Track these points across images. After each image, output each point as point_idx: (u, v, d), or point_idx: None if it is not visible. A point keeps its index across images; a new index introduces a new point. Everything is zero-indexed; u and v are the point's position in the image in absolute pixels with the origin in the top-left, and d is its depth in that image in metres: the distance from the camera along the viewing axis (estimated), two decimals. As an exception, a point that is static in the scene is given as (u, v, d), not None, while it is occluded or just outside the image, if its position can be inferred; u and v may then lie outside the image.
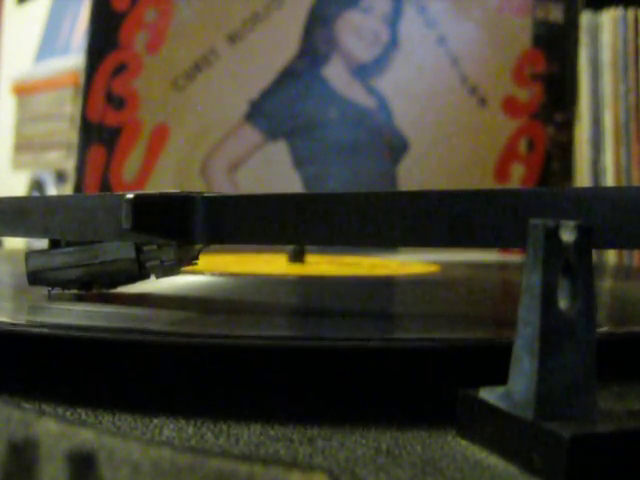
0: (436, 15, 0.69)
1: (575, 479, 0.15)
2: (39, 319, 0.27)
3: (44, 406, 0.19)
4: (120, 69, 0.63)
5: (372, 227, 0.23)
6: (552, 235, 0.16)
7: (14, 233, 0.30)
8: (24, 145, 0.91)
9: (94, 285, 0.28)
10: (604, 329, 0.23)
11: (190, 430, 0.18)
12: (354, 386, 0.22)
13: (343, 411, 0.20)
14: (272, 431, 0.18)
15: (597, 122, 0.79)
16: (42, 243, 0.29)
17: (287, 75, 0.67)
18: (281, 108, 0.67)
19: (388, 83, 0.69)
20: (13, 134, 0.93)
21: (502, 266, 0.54)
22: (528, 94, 0.70)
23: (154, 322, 0.25)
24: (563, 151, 0.71)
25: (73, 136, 0.66)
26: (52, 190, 0.86)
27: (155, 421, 0.19)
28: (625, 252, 0.73)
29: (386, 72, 0.69)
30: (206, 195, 0.25)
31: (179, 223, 0.25)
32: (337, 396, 0.21)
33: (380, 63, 0.69)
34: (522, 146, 0.70)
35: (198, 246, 0.27)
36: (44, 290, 0.28)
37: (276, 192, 0.25)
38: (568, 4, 0.72)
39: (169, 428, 0.18)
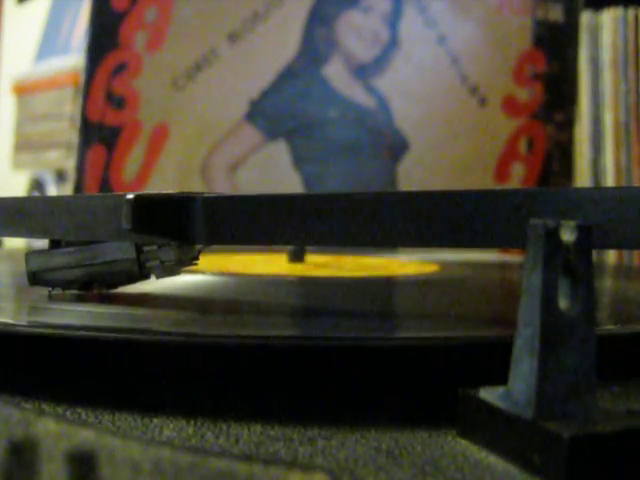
0: (436, 15, 0.69)
1: (575, 479, 0.15)
2: (39, 319, 0.27)
3: (44, 406, 0.19)
4: (120, 69, 0.63)
5: (372, 227, 0.23)
6: (552, 235, 0.16)
7: (14, 233, 0.30)
8: (24, 145, 0.91)
9: (94, 285, 0.28)
10: (604, 329, 0.23)
11: (190, 430, 0.18)
12: (354, 386, 0.22)
13: (343, 411, 0.20)
14: (272, 431, 0.18)
15: (597, 122, 0.79)
16: (42, 243, 0.29)
17: (287, 75, 0.67)
18: (281, 108, 0.67)
19: (388, 83, 0.69)
20: (13, 134, 0.93)
21: (502, 266, 0.54)
22: (528, 94, 0.70)
23: (154, 322, 0.25)
24: (563, 151, 0.71)
25: (73, 136, 0.66)
26: (52, 190, 0.86)
27: (155, 421, 0.19)
28: (625, 252, 0.73)
29: (386, 72, 0.69)
30: (206, 195, 0.25)
31: (179, 223, 0.25)
32: (337, 396, 0.21)
33: (380, 63, 0.69)
34: (522, 146, 0.70)
35: (198, 246, 0.27)
36: (44, 290, 0.28)
37: (276, 192, 0.25)
38: (568, 4, 0.72)
39: (169, 428, 0.18)
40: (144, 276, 0.27)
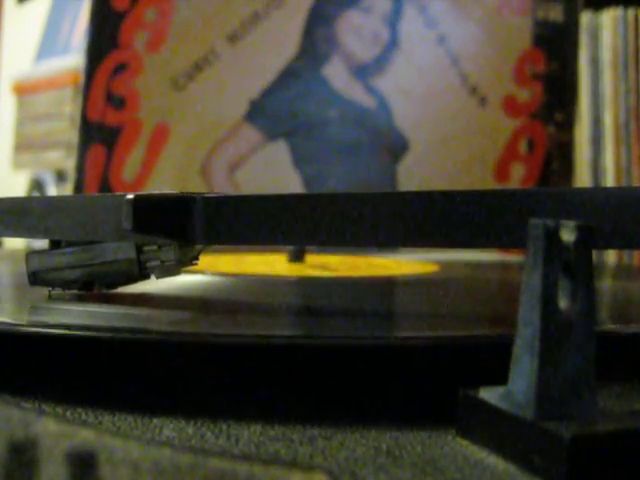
0: (436, 15, 0.69)
1: (575, 479, 0.15)
2: (40, 319, 0.27)
3: (44, 406, 0.19)
4: (120, 69, 0.63)
5: (371, 227, 0.23)
6: (552, 235, 0.16)
7: (14, 233, 0.30)
8: (24, 145, 0.91)
9: (94, 285, 0.28)
10: (604, 329, 0.23)
11: (190, 430, 0.18)
12: (354, 386, 0.22)
13: (343, 411, 0.20)
14: (272, 431, 0.18)
15: (597, 122, 0.79)
16: (42, 243, 0.29)
17: (287, 75, 0.67)
18: (281, 108, 0.67)
19: (388, 83, 0.69)
20: (13, 134, 0.93)
21: (502, 266, 0.54)
22: (528, 94, 0.70)
23: (154, 322, 0.25)
24: (563, 151, 0.71)
25: (73, 136, 0.66)
26: (52, 190, 0.86)
27: (155, 421, 0.19)
28: (625, 252, 0.73)
29: (386, 72, 0.69)
30: (206, 195, 0.25)
31: (179, 223, 0.25)
32: (337, 396, 0.21)
33: (380, 63, 0.69)
34: (522, 146, 0.70)
35: (198, 246, 0.27)
36: (45, 290, 0.28)
37: (276, 192, 0.25)
38: (568, 4, 0.72)
39: (169, 428, 0.18)
40: (144, 276, 0.27)
